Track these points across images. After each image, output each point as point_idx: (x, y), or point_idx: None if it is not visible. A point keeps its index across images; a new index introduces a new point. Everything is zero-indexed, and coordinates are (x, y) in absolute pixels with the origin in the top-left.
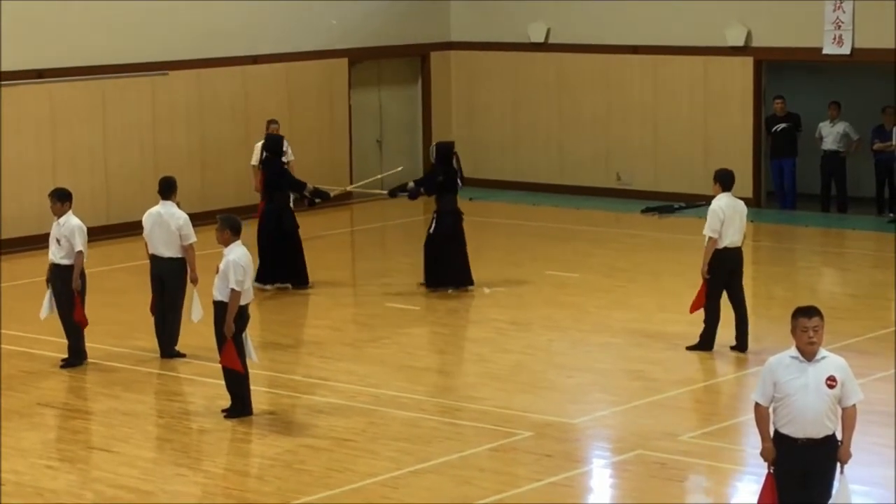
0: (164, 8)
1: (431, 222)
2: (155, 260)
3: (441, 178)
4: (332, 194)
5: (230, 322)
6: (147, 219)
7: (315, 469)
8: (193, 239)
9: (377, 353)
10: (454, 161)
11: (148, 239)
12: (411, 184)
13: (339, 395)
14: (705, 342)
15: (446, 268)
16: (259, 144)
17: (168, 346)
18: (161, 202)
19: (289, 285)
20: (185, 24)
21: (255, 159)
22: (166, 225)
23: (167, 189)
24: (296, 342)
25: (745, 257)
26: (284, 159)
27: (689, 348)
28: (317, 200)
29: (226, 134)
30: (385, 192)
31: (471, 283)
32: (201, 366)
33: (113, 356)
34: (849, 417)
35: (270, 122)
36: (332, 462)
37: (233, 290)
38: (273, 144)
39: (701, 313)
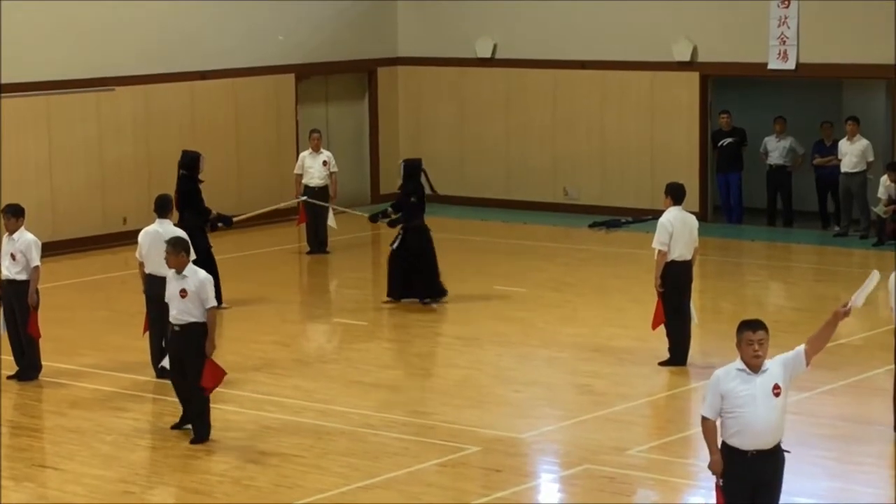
0: (111, 24)
1: (396, 238)
2: (152, 280)
3: (414, 199)
4: (234, 220)
5: (214, 339)
6: (144, 237)
7: (263, 485)
8: (193, 256)
9: (325, 368)
10: (423, 177)
11: (145, 258)
12: (390, 209)
13: (286, 410)
14: (676, 357)
15: (416, 280)
16: (303, 154)
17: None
18: (158, 220)
19: None
20: (132, 40)
21: (297, 168)
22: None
23: (163, 207)
24: (244, 358)
25: (692, 271)
26: (328, 170)
27: (662, 364)
28: (219, 225)
29: (173, 149)
30: (365, 215)
31: (443, 293)
32: (148, 382)
33: (59, 373)
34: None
35: (312, 131)
36: (281, 478)
37: (212, 308)
38: (187, 161)
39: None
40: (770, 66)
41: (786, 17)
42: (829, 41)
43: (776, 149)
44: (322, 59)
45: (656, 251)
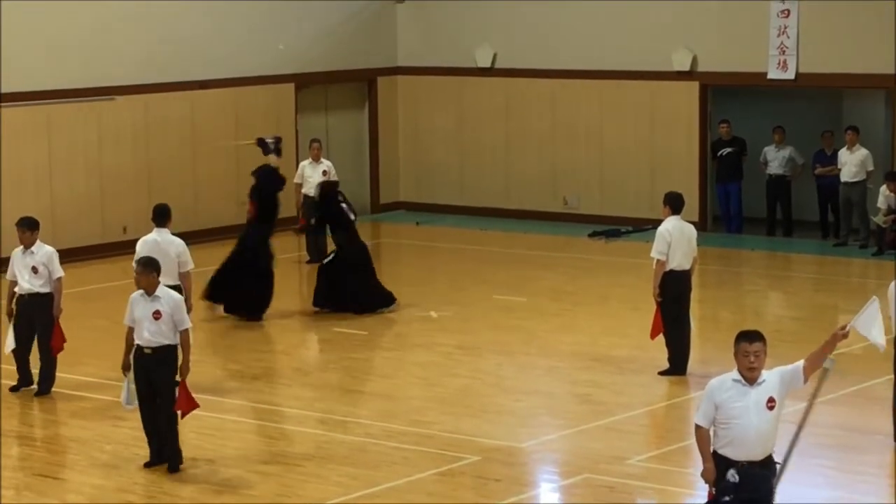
0: (111, 33)
1: (330, 256)
2: None
3: (345, 206)
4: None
5: (189, 362)
6: (142, 246)
7: (263, 494)
8: (192, 265)
9: (325, 377)
10: (339, 200)
11: None
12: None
13: (287, 420)
14: (676, 366)
15: (347, 292)
16: (303, 163)
17: None
18: (156, 229)
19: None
20: (132, 49)
21: (297, 177)
22: (164, 252)
23: (162, 216)
24: (244, 367)
25: (691, 280)
26: (328, 178)
27: (661, 373)
28: (277, 147)
29: (173, 158)
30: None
31: (375, 308)
32: None
33: (59, 382)
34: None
35: (313, 141)
36: (281, 487)
37: (187, 330)
38: (263, 175)
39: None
40: (770, 76)
41: (785, 27)
42: (828, 50)
43: (776, 158)
44: (322, 69)
45: (654, 260)
